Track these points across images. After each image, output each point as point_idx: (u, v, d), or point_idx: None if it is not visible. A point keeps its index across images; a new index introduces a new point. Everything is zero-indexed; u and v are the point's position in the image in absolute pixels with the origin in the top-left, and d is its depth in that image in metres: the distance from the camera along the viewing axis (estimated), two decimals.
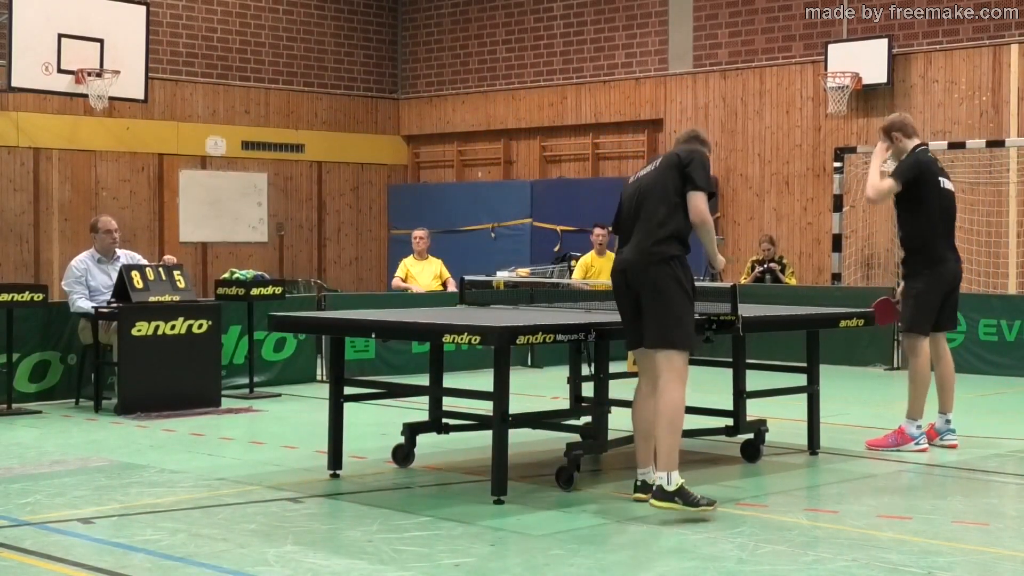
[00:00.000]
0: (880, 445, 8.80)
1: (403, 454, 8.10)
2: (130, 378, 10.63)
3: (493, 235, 20.40)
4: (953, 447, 8.86)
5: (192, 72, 19.80)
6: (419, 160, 22.33)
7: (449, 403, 8.39)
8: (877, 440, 8.86)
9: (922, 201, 8.72)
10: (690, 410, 8.74)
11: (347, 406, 7.86)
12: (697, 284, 6.94)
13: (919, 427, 8.79)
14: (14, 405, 10.67)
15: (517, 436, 7.90)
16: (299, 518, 6.65)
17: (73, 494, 7.24)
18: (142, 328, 10.64)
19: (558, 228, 19.62)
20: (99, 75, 16.47)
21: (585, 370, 8.48)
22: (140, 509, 6.78)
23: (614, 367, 7.66)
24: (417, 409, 9.44)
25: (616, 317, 7.45)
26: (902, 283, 9.03)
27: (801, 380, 8.74)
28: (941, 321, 8.95)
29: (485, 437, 7.32)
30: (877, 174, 8.87)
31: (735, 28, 18.66)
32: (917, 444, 8.75)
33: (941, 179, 8.84)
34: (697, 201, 6.78)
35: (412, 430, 8.14)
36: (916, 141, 8.97)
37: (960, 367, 13.59)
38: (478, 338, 6.85)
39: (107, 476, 7.82)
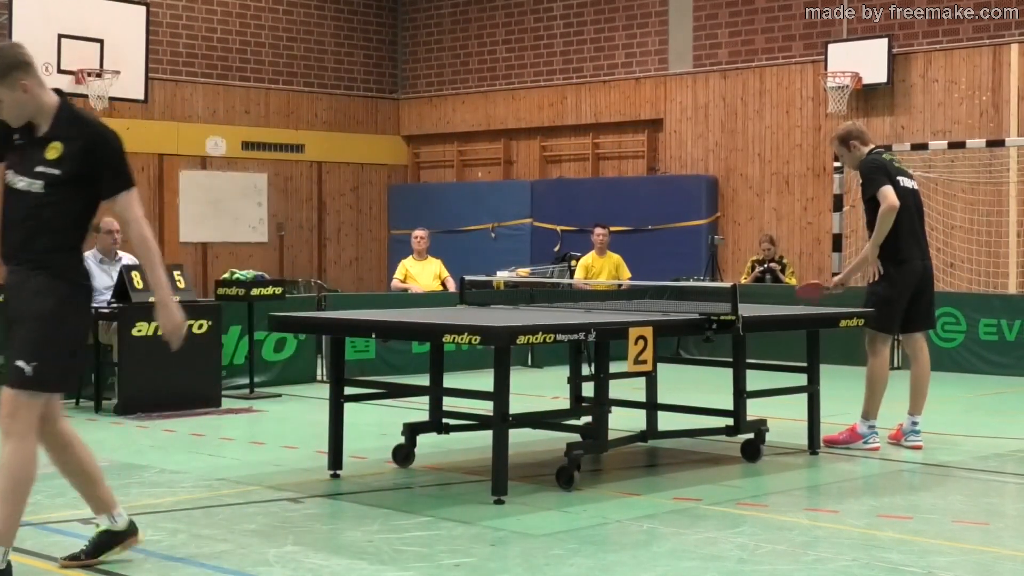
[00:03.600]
0: (834, 441, 8.84)
1: (403, 454, 8.10)
2: (130, 378, 10.63)
3: (493, 235, 20.40)
4: (918, 448, 8.82)
5: (192, 72, 19.79)
6: (419, 160, 22.32)
7: (449, 403, 8.38)
8: (832, 436, 8.88)
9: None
10: (690, 410, 8.80)
11: (347, 406, 7.85)
12: (697, 284, 6.94)
13: (871, 426, 8.82)
14: None
15: (517, 436, 7.90)
16: (299, 518, 6.65)
17: (73, 494, 7.19)
18: (142, 328, 10.64)
19: (558, 228, 19.62)
20: (99, 75, 16.47)
21: (585, 370, 8.48)
22: (140, 509, 6.77)
23: (614, 367, 7.65)
24: (417, 409, 9.43)
25: (616, 317, 7.47)
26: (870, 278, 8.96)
27: (801, 380, 8.74)
28: (915, 321, 8.95)
29: (485, 437, 7.32)
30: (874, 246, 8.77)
31: (735, 28, 18.65)
32: (866, 443, 8.78)
33: (901, 178, 8.82)
34: None
35: (412, 430, 8.14)
36: (871, 147, 8.99)
37: (960, 367, 13.69)
38: (478, 338, 6.85)
39: (107, 476, 7.79)
